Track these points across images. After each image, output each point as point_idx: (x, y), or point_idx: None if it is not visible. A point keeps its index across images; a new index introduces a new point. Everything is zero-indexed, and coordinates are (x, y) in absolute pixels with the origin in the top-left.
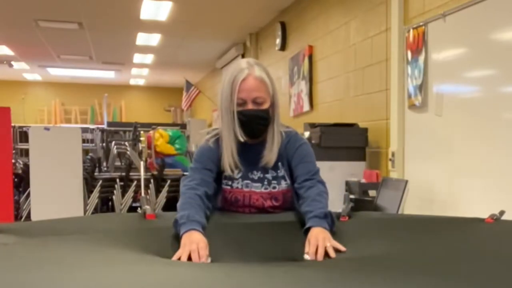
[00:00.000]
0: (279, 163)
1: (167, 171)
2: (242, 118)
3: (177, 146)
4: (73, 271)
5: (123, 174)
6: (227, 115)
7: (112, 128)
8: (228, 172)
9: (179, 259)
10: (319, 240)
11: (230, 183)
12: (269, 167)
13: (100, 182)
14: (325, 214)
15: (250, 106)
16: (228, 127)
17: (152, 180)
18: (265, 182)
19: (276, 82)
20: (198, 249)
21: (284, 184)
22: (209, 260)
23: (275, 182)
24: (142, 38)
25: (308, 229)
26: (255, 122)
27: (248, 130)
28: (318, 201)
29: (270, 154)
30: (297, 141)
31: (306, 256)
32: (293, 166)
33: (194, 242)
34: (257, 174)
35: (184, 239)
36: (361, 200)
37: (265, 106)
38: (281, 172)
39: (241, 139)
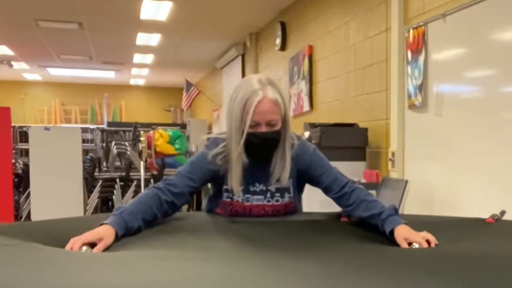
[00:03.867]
0: None
1: (167, 171)
2: (253, 140)
3: (177, 146)
4: (74, 271)
5: (123, 174)
6: (237, 135)
7: (112, 128)
8: (234, 191)
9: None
10: (416, 236)
11: (230, 195)
12: (283, 184)
13: (100, 182)
14: (395, 210)
15: (263, 129)
16: (237, 146)
17: (152, 180)
18: (268, 195)
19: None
20: (95, 240)
21: (287, 197)
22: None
23: (278, 194)
24: (142, 38)
25: (391, 231)
26: (266, 145)
27: (258, 152)
28: (374, 201)
29: (282, 173)
30: (306, 150)
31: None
32: (316, 176)
33: (96, 233)
34: (259, 187)
35: (96, 229)
36: None
37: (278, 127)
38: (287, 184)
39: (246, 160)
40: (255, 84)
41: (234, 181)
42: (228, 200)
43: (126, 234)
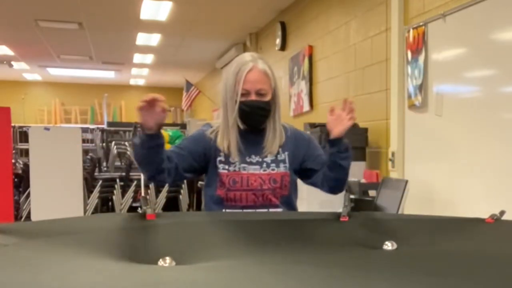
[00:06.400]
0: (280, 149)
1: None
2: (245, 108)
3: None
4: (73, 273)
5: (123, 174)
6: (231, 104)
7: (112, 128)
8: (232, 156)
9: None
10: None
11: (227, 167)
12: (274, 152)
13: (100, 182)
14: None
15: (253, 97)
16: (232, 115)
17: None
18: (264, 165)
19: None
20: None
21: (282, 167)
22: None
23: (273, 165)
24: (142, 38)
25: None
26: (257, 113)
27: (250, 120)
28: None
29: (273, 145)
30: (303, 133)
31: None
32: (314, 155)
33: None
34: (255, 158)
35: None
36: (361, 200)
37: (267, 98)
38: (281, 156)
39: (241, 127)
40: (246, 57)
41: (232, 145)
42: (225, 171)
43: (158, 139)
